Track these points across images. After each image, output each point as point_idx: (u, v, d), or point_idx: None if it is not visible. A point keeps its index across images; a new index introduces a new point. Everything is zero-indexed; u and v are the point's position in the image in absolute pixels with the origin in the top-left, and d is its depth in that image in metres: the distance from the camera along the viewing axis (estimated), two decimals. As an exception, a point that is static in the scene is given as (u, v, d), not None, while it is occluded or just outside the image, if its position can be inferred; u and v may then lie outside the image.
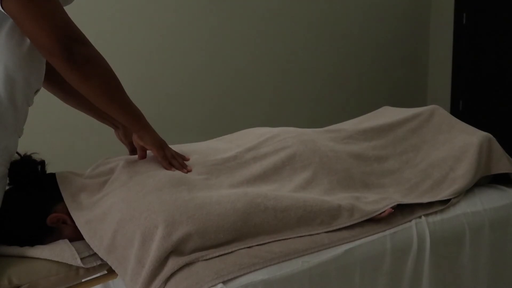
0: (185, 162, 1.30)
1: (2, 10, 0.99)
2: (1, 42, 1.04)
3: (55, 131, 2.53)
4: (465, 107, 3.62)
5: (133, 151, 1.39)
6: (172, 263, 1.02)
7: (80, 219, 1.16)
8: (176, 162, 1.28)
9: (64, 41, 0.99)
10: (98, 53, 1.08)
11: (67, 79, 1.06)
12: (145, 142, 1.25)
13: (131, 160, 1.30)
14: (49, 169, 1.28)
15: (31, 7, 0.97)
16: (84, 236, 1.14)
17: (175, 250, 1.05)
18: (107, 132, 2.62)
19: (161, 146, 1.27)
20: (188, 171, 1.27)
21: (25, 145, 1.22)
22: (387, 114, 1.74)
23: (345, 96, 3.50)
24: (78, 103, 1.36)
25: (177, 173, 1.23)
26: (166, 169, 1.26)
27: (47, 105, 2.32)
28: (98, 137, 2.59)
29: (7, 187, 1.18)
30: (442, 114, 1.65)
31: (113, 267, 1.10)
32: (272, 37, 3.13)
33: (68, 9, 1.08)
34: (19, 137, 1.15)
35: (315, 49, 3.32)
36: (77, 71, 1.03)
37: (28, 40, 1.06)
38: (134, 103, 1.19)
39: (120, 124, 1.38)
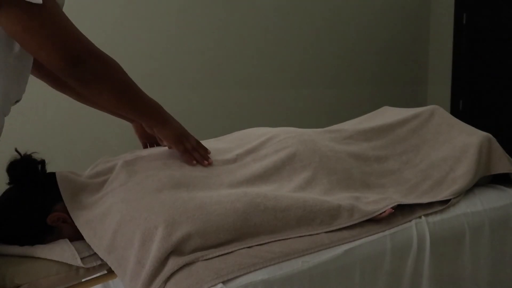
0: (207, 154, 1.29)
1: None
2: None
3: (55, 131, 2.52)
4: (465, 107, 3.62)
5: (146, 146, 1.41)
6: (172, 263, 1.02)
7: (80, 219, 1.16)
8: (197, 154, 1.27)
9: (72, 61, 0.97)
10: (108, 63, 1.06)
11: (80, 92, 1.08)
12: (163, 136, 1.26)
13: (130, 159, 1.30)
14: (49, 169, 1.28)
15: (34, 29, 0.92)
16: (84, 236, 1.14)
17: (175, 250, 1.05)
18: (107, 132, 2.62)
19: (180, 140, 1.26)
20: (209, 163, 1.26)
21: (26, 145, 1.22)
22: (387, 114, 1.74)
23: (345, 96, 3.50)
24: (92, 104, 1.37)
25: (177, 173, 1.23)
26: (187, 162, 1.26)
27: (48, 105, 2.32)
28: (98, 137, 2.59)
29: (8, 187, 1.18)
30: (442, 114, 1.65)
31: (112, 268, 1.10)
32: (272, 38, 3.13)
33: (72, 9, 1.05)
34: None
35: (315, 49, 3.32)
36: (86, 88, 1.04)
37: (15, 52, 1.00)
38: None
39: None
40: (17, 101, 1.12)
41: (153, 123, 1.23)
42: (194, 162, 1.26)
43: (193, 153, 1.27)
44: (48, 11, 0.94)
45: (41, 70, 1.27)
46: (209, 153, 1.31)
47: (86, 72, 1.00)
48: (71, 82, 1.03)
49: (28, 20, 0.92)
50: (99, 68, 1.03)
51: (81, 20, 1.14)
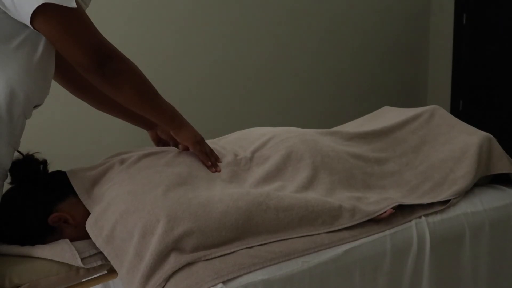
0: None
1: (29, 25, 1.01)
2: (10, 53, 1.04)
3: (57, 131, 2.53)
4: (465, 107, 3.62)
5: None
6: (174, 261, 1.03)
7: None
8: (212, 158, 1.32)
9: (99, 59, 1.05)
10: (130, 64, 1.14)
11: (103, 91, 1.14)
12: (180, 138, 1.31)
13: (143, 154, 1.32)
14: (51, 169, 1.28)
15: (66, 31, 1.02)
16: (86, 225, 1.16)
17: (177, 248, 1.05)
18: (108, 133, 2.62)
19: (197, 141, 1.31)
20: (217, 171, 1.30)
21: (28, 145, 1.22)
22: (388, 115, 1.74)
23: (346, 96, 3.50)
24: (111, 110, 1.42)
25: (184, 172, 1.24)
26: (204, 162, 1.30)
27: (49, 106, 2.32)
28: (99, 138, 2.59)
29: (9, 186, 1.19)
30: (442, 115, 1.65)
31: (108, 258, 1.11)
32: (274, 39, 3.14)
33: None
34: (15, 150, 1.15)
35: (315, 49, 3.32)
36: (110, 84, 1.11)
37: (37, 56, 1.07)
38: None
39: (156, 124, 1.43)
40: (37, 105, 1.17)
41: (172, 125, 1.28)
42: (209, 163, 1.30)
43: (209, 157, 1.33)
44: (80, 14, 1.05)
45: (64, 76, 1.33)
46: (220, 162, 1.34)
47: (111, 70, 1.08)
48: (97, 80, 1.10)
49: (64, 23, 1.02)
50: (124, 66, 1.11)
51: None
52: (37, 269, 1.09)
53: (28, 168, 1.21)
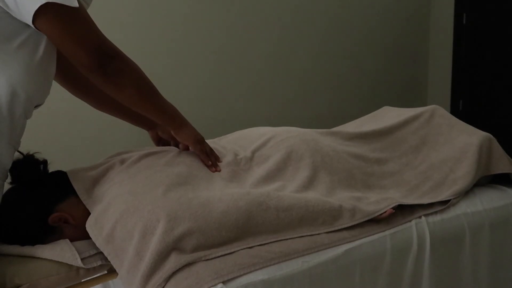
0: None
1: (32, 26, 1.01)
2: (11, 53, 1.04)
3: (57, 131, 2.53)
4: (465, 107, 3.62)
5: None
6: (175, 261, 1.03)
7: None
8: (212, 158, 1.33)
9: (100, 58, 1.06)
10: (131, 63, 1.14)
11: (104, 90, 1.14)
12: (181, 138, 1.32)
13: (143, 154, 1.32)
14: (51, 168, 1.28)
15: (68, 30, 1.03)
16: (86, 225, 1.16)
17: (177, 248, 1.05)
18: (108, 132, 2.62)
19: (198, 141, 1.32)
20: (217, 171, 1.30)
21: (28, 145, 1.22)
22: (388, 115, 1.74)
23: (346, 96, 3.50)
24: (111, 110, 1.43)
25: (185, 172, 1.25)
26: (204, 162, 1.31)
27: (50, 106, 2.32)
28: (99, 137, 2.59)
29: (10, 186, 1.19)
30: (442, 115, 1.65)
31: (108, 258, 1.11)
32: (275, 39, 3.14)
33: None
34: (16, 150, 1.15)
35: (315, 49, 3.32)
36: (112, 83, 1.11)
37: (39, 56, 1.08)
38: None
39: (157, 124, 1.44)
40: (38, 105, 1.17)
41: (172, 124, 1.29)
42: (210, 163, 1.31)
43: (209, 156, 1.33)
44: (82, 13, 1.06)
45: (65, 77, 1.33)
46: (220, 161, 1.35)
47: (113, 69, 1.08)
48: (99, 79, 1.10)
49: (67, 22, 1.02)
50: (125, 66, 1.12)
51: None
52: (37, 269, 1.09)
53: (28, 168, 1.21)
